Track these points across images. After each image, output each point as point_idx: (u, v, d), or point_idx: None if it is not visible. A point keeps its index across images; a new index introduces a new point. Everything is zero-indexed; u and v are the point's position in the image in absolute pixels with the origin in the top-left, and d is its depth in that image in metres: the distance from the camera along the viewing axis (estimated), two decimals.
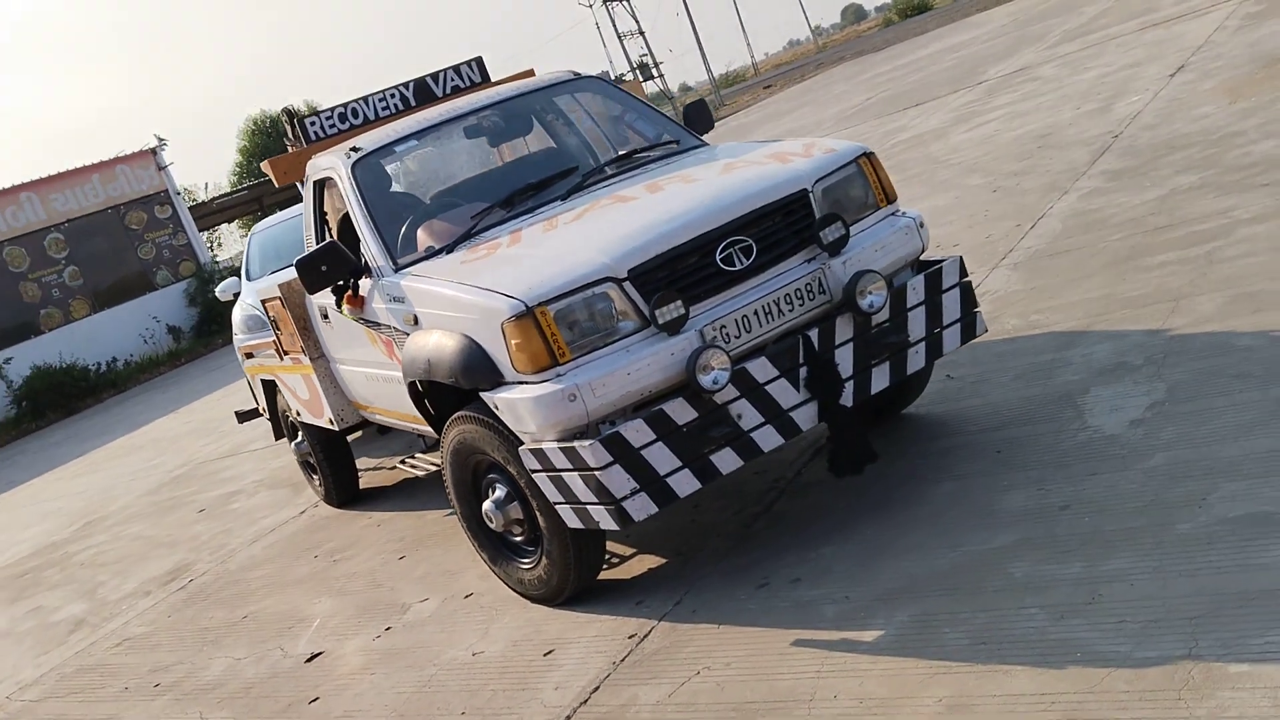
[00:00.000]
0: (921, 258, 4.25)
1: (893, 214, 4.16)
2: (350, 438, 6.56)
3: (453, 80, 6.10)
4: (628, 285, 3.67)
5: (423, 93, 5.99)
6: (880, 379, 3.91)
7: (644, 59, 49.54)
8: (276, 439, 7.49)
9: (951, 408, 4.66)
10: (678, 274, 3.73)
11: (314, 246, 5.26)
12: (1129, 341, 4.58)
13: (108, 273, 24.54)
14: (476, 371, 3.82)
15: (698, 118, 5.21)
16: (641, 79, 49.05)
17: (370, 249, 4.63)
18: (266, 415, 7.28)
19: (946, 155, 10.86)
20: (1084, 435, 3.91)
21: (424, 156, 5.53)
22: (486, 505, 4.11)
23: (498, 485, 4.11)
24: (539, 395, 3.59)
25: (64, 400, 21.24)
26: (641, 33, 53.50)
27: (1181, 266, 5.13)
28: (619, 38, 50.25)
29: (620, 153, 4.90)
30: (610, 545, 4.59)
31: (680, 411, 3.60)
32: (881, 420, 4.71)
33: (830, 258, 3.89)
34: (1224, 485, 3.26)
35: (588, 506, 3.63)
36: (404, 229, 4.75)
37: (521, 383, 3.68)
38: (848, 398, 3.84)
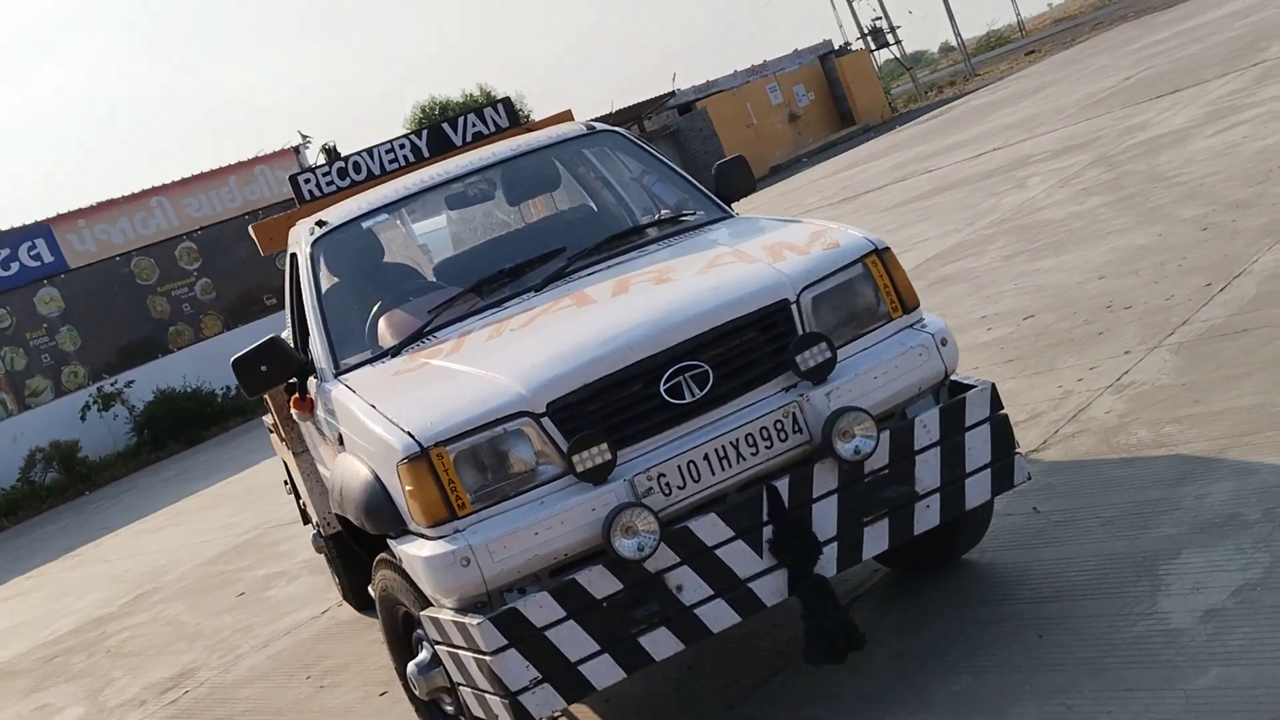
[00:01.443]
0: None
1: (910, 326, 3.86)
2: None
3: (474, 126, 6.06)
4: (546, 421, 3.53)
5: (438, 141, 5.96)
6: (876, 542, 3.64)
7: (877, 22, 48.67)
8: (304, 523, 7.66)
9: (1018, 558, 4.31)
10: (610, 408, 3.56)
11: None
12: (1255, 482, 4.13)
13: (243, 286, 25.81)
14: (379, 516, 3.76)
15: (731, 179, 5.01)
16: (872, 46, 48.33)
17: (314, 345, 4.65)
18: (292, 494, 7.45)
19: (1174, 171, 10.21)
20: (1144, 625, 3.54)
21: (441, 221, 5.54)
22: (410, 668, 4.02)
23: (423, 644, 4.03)
24: (429, 556, 3.49)
25: (186, 429, 22.44)
26: None
27: None
28: None
29: (615, 232, 4.75)
30: (579, 708, 4.46)
31: (599, 582, 3.43)
32: (934, 566, 4.39)
33: (813, 387, 3.64)
34: None
35: (485, 695, 3.51)
36: (371, 318, 4.74)
37: (421, 535, 3.60)
38: (828, 566, 3.58)
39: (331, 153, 6.20)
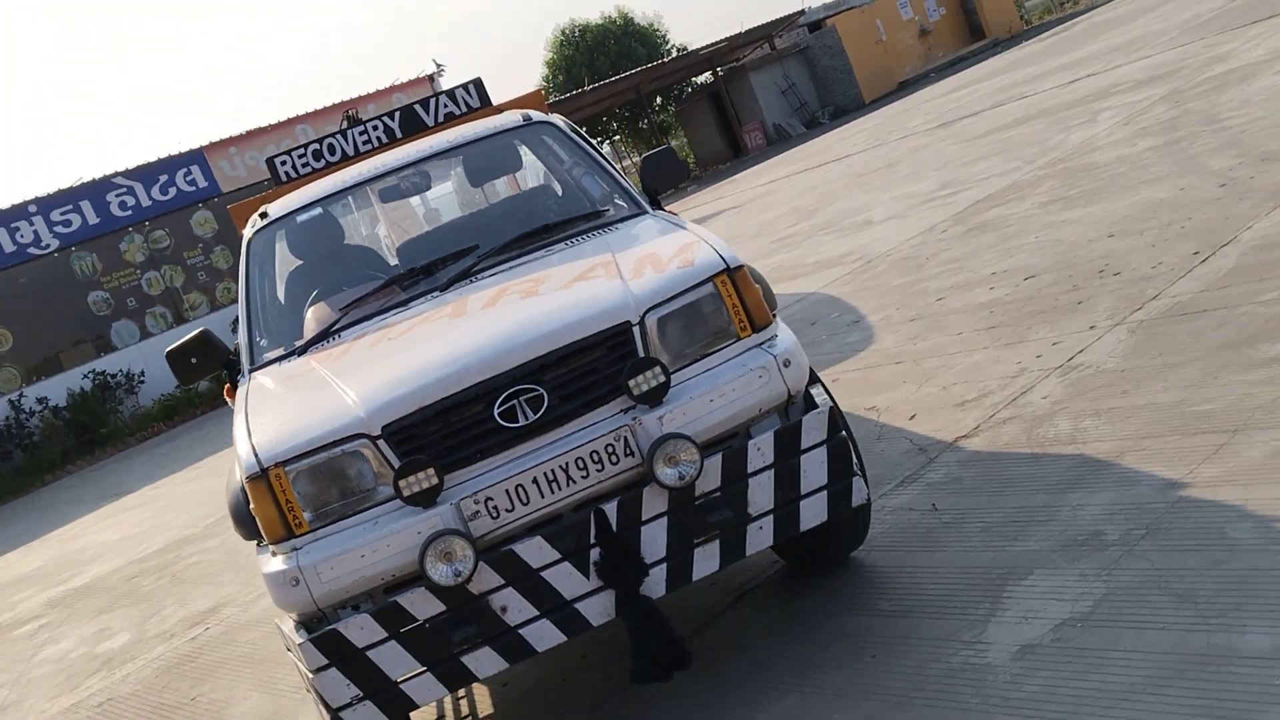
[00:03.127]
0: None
1: (760, 345, 3.65)
2: None
3: (446, 107, 5.91)
4: (383, 444, 3.45)
5: (411, 122, 5.84)
6: (707, 563, 3.49)
7: None
8: None
9: (895, 562, 4.10)
10: (444, 431, 3.46)
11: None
12: (1133, 496, 3.85)
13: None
14: (245, 525, 3.75)
15: (657, 172, 4.79)
16: None
17: (240, 338, 4.63)
18: None
19: (1228, 113, 9.54)
20: (963, 656, 3.33)
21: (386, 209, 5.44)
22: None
23: None
24: (267, 573, 3.47)
25: None
26: None
27: None
28: None
29: (525, 231, 4.59)
30: (480, 688, 4.44)
31: (422, 604, 3.36)
32: (818, 566, 4.21)
33: (647, 410, 3.48)
34: None
35: (319, 707, 3.50)
36: (306, 308, 4.70)
37: (270, 550, 3.57)
38: (655, 587, 3.45)
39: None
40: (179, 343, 4.57)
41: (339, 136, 5.81)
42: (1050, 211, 8.74)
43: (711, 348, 3.60)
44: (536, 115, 5.07)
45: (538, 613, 3.39)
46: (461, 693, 4.50)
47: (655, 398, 3.45)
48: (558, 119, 5.13)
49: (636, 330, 3.52)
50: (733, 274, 3.64)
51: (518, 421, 3.44)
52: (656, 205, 4.86)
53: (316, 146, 5.80)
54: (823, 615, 3.91)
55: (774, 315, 3.76)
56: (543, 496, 3.41)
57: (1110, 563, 3.48)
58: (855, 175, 16.84)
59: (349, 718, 3.36)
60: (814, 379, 3.91)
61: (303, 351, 4.31)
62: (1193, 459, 3.93)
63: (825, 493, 3.53)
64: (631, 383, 3.42)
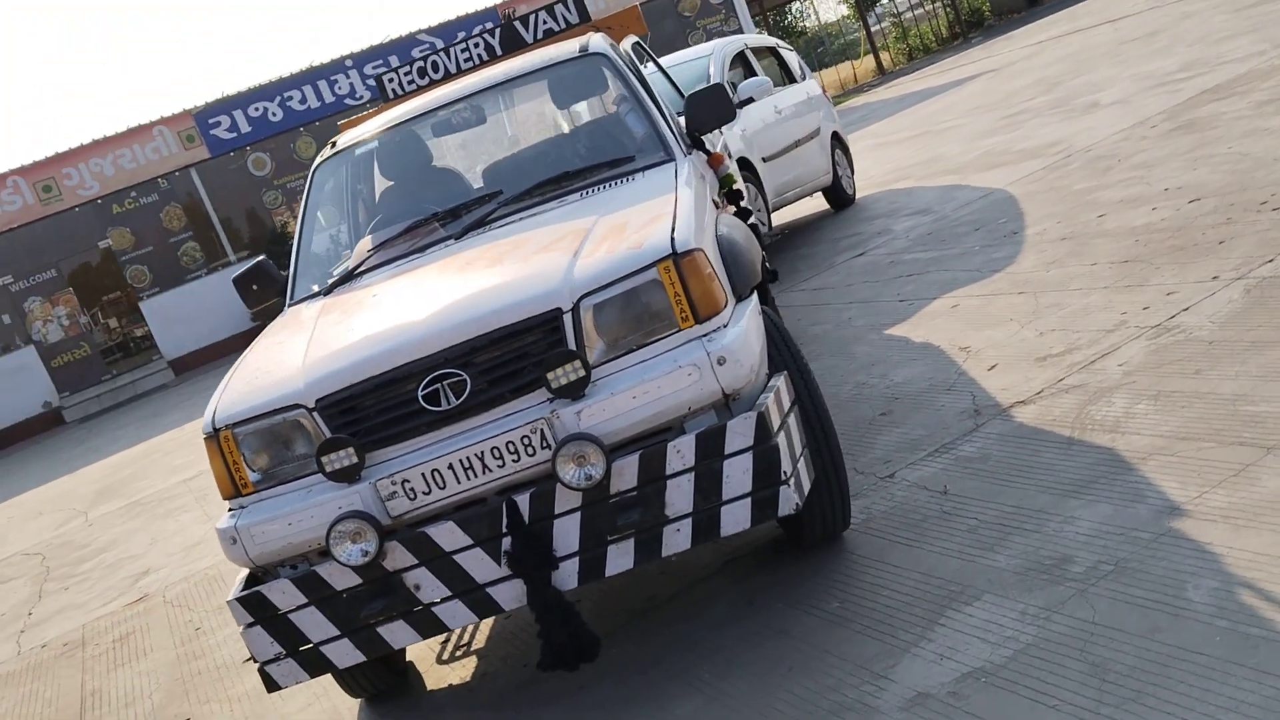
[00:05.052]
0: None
1: (701, 337, 3.21)
2: None
3: (545, 23, 5.50)
4: (317, 416, 3.31)
5: (511, 39, 5.47)
6: (621, 560, 3.18)
7: None
8: None
9: (872, 554, 3.65)
10: (372, 409, 3.28)
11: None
12: (1126, 517, 3.25)
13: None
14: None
15: (701, 112, 4.32)
16: None
17: (291, 270, 4.54)
18: None
19: None
20: (858, 693, 2.92)
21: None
22: None
23: None
24: (218, 527, 3.43)
25: None
26: None
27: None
28: None
29: (545, 178, 4.22)
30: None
31: (340, 575, 3.25)
32: (812, 547, 3.82)
33: (568, 403, 3.16)
34: None
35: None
36: (358, 244, 4.56)
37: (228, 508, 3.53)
38: (567, 579, 3.19)
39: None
40: (242, 270, 4.56)
41: (443, 54, 5.55)
42: (1262, 115, 7.53)
43: (650, 337, 3.22)
44: (595, 45, 4.64)
45: (450, 593, 3.22)
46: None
47: (574, 391, 3.13)
48: (612, 48, 4.68)
49: (568, 317, 3.19)
50: (679, 260, 3.21)
51: (440, 405, 3.21)
52: (699, 145, 4.41)
53: (421, 64, 5.57)
54: (776, 605, 3.55)
55: (727, 304, 3.30)
56: (459, 482, 3.19)
57: (1057, 603, 2.96)
58: (1115, 43, 15.16)
59: (274, 671, 3.34)
60: (788, 365, 3.47)
61: (329, 291, 4.20)
62: (1210, 478, 3.28)
63: (749, 500, 3.13)
64: (550, 375, 3.11)
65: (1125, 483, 3.45)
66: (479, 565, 3.19)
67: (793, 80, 10.60)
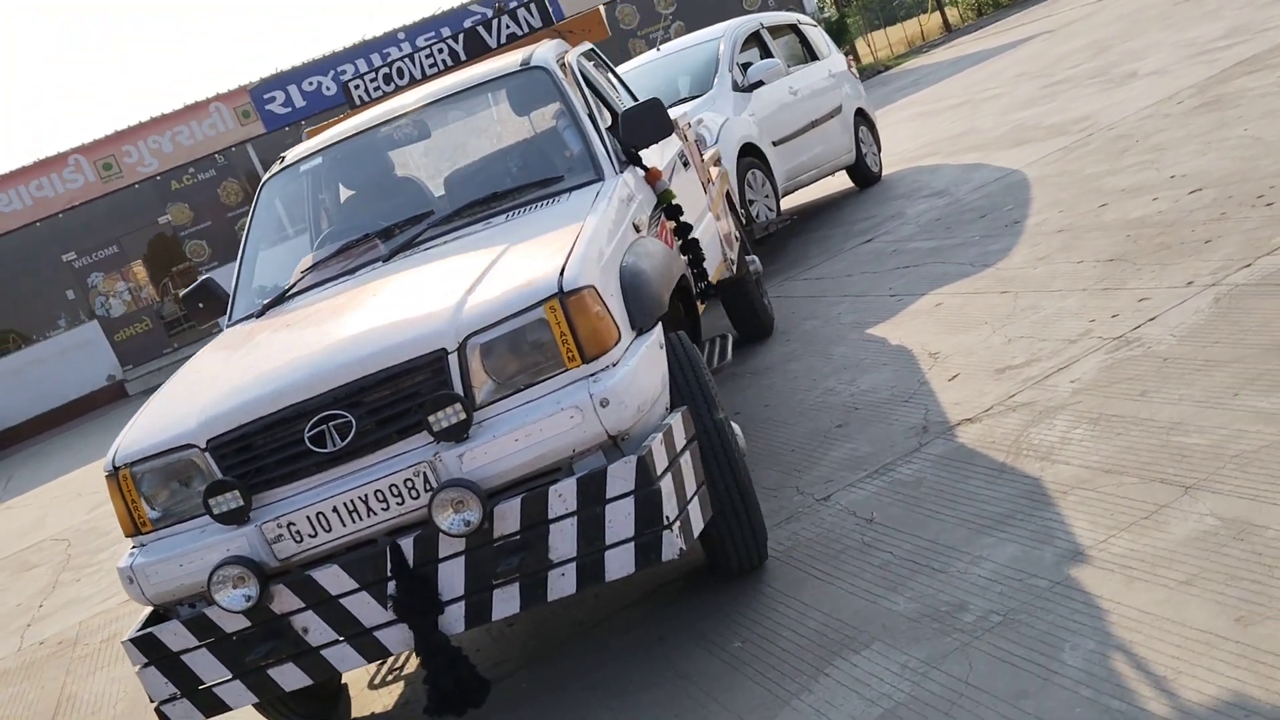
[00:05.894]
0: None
1: (584, 379, 3.14)
2: None
3: (509, 28, 5.40)
4: (209, 456, 3.30)
5: (475, 44, 5.38)
6: (507, 604, 3.13)
7: None
8: None
9: (789, 583, 3.56)
10: (260, 450, 3.26)
11: None
12: (1032, 559, 3.14)
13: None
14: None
15: (637, 129, 4.22)
16: None
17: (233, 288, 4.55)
18: None
19: None
20: None
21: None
22: None
23: None
24: (117, 567, 3.46)
25: None
26: None
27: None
28: None
29: (473, 199, 4.16)
30: None
31: (229, 618, 3.25)
32: (730, 578, 3.74)
33: (451, 446, 3.12)
34: None
35: None
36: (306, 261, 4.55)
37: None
38: (453, 623, 3.15)
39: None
40: (189, 288, 4.58)
41: (408, 60, 5.50)
42: None
43: (538, 377, 3.16)
44: (537, 58, 4.55)
45: (338, 636, 3.20)
46: None
47: (456, 435, 3.08)
48: (558, 60, 4.58)
49: (454, 358, 3.13)
50: (565, 299, 3.14)
51: (326, 447, 3.18)
52: (635, 161, 4.32)
53: (387, 70, 5.52)
54: (684, 642, 3.49)
55: (619, 341, 3.22)
56: (344, 525, 3.17)
57: (938, 657, 2.87)
58: (1170, 4, 14.63)
59: (170, 711, 3.35)
60: (694, 398, 3.40)
61: (262, 313, 4.20)
62: (1121, 519, 3.16)
63: (632, 544, 3.07)
64: (431, 419, 3.07)
65: (1040, 520, 3.33)
66: (365, 609, 3.17)
67: (815, 58, 10.37)
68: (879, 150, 10.74)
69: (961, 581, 3.17)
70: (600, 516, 3.05)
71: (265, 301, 4.26)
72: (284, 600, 3.19)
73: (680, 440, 3.26)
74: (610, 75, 5.28)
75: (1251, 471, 3.12)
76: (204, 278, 4.60)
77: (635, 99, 5.22)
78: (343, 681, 4.18)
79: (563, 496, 3.05)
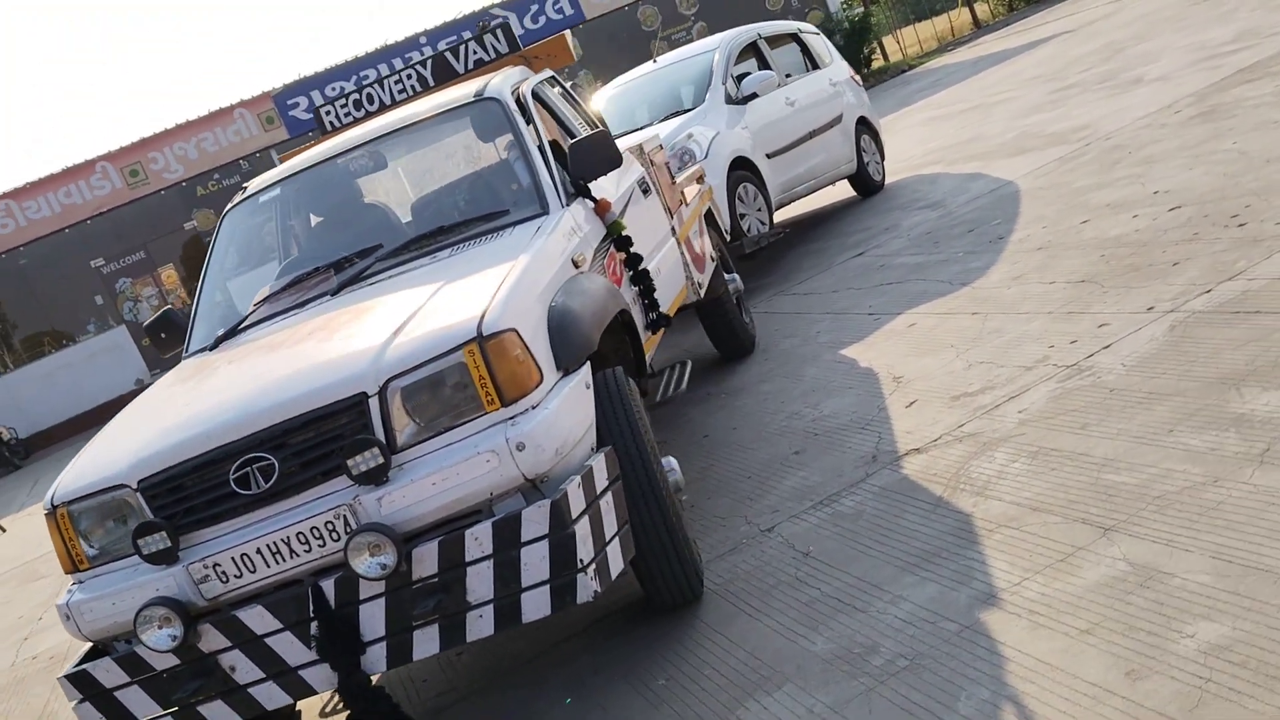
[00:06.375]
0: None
1: (502, 422, 3.18)
2: None
3: (476, 54, 5.43)
4: (140, 496, 3.37)
5: (443, 71, 5.42)
6: (427, 645, 3.17)
7: None
8: None
9: (720, 617, 3.58)
10: (191, 490, 3.32)
11: None
12: (945, 602, 3.15)
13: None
14: None
15: (585, 160, 4.25)
16: None
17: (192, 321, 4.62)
18: None
19: None
20: None
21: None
22: None
23: None
24: (56, 604, 3.53)
25: None
26: None
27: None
28: None
29: (420, 233, 4.22)
30: None
31: (160, 655, 3.31)
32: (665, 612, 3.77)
33: (371, 489, 3.16)
34: None
35: None
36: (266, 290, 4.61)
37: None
38: (375, 663, 3.20)
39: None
40: (151, 319, 4.66)
41: (378, 85, 5.56)
42: (1275, 108, 7.14)
43: (459, 420, 3.20)
44: (491, 89, 4.58)
45: (264, 675, 3.26)
46: None
47: (375, 478, 3.13)
48: (513, 90, 4.61)
49: (374, 401, 3.18)
50: (484, 343, 3.18)
51: (251, 489, 3.24)
52: (584, 193, 4.35)
53: (357, 96, 5.57)
54: (614, 679, 3.53)
55: (540, 383, 3.26)
56: (268, 566, 3.23)
57: (842, 702, 2.89)
58: (1188, 4, 14.46)
59: None
60: (623, 437, 3.43)
61: (214, 346, 4.27)
62: (1039, 561, 3.17)
63: (547, 587, 3.11)
64: (350, 462, 3.12)
65: (963, 559, 3.34)
66: (290, 648, 3.22)
67: (816, 67, 10.34)
68: (882, 159, 10.69)
69: (878, 622, 3.19)
70: (516, 560, 3.09)
71: (220, 333, 4.32)
72: (211, 639, 3.25)
73: (602, 481, 3.29)
74: (571, 103, 5.30)
75: (1170, 514, 3.11)
76: (165, 308, 4.67)
77: (597, 126, 5.24)
78: (297, 708, 4.24)
79: (479, 540, 3.09)
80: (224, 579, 3.25)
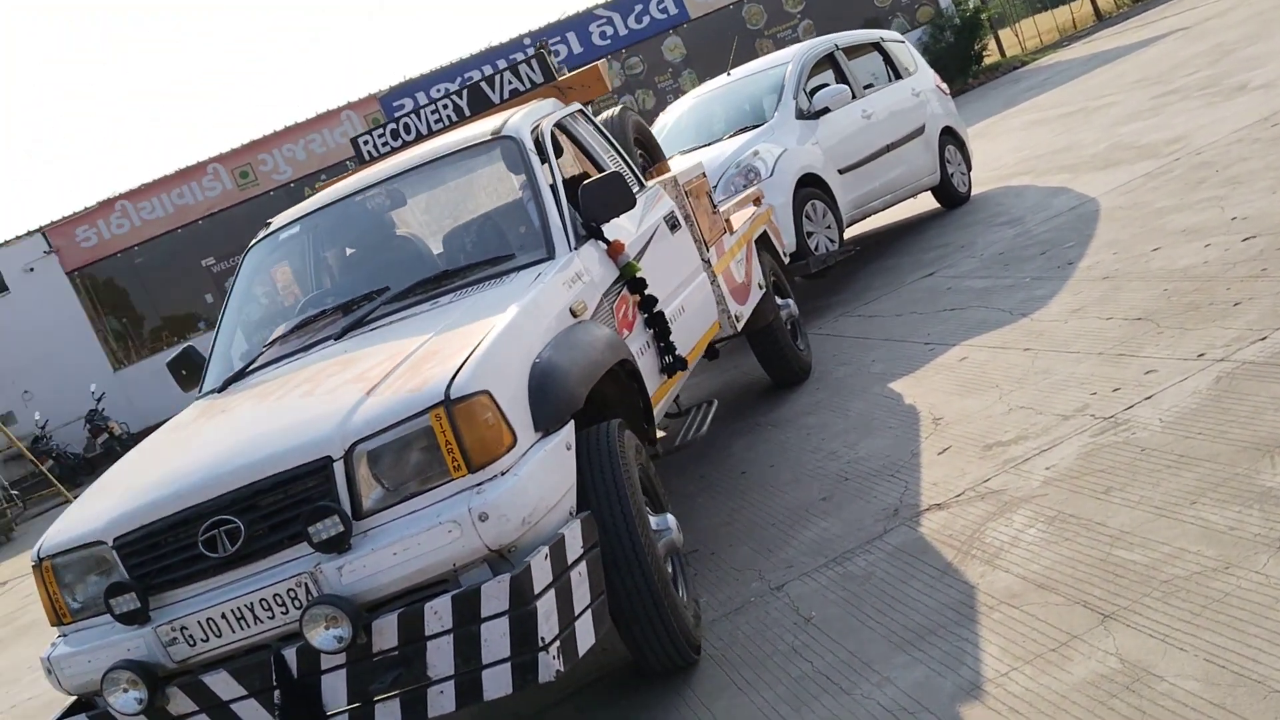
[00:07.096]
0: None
1: (468, 490, 3.09)
2: None
3: (511, 83, 5.34)
4: (116, 554, 3.37)
5: (478, 100, 5.35)
6: (389, 719, 3.13)
7: None
8: None
9: (711, 687, 3.45)
10: (163, 549, 3.30)
11: None
12: (929, 690, 2.98)
13: (843, 25, 24.71)
14: None
15: (595, 201, 4.14)
16: None
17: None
18: None
19: None
20: None
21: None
22: None
23: None
24: (40, 656, 3.56)
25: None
26: None
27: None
28: None
29: (424, 277, 4.16)
30: None
31: (131, 716, 3.32)
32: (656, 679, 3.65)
33: (332, 557, 3.10)
34: None
35: None
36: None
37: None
38: None
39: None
40: (173, 355, 4.70)
41: (414, 115, 5.52)
42: None
43: (426, 485, 3.12)
44: (509, 128, 4.49)
45: None
46: None
47: (336, 546, 3.07)
48: (530, 130, 4.51)
49: (339, 465, 3.12)
50: (452, 407, 3.09)
51: (216, 552, 3.21)
52: (597, 235, 4.25)
53: (394, 126, 5.54)
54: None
55: (513, 447, 3.16)
56: (233, 631, 3.19)
57: None
58: None
59: None
60: (605, 502, 3.33)
61: (223, 389, 4.27)
62: (1030, 649, 2.98)
63: (509, 665, 3.01)
64: (310, 530, 3.07)
65: (958, 639, 3.16)
66: (254, 715, 3.15)
67: (899, 76, 10.06)
68: (968, 169, 10.36)
69: (860, 708, 3.03)
70: (476, 635, 2.99)
71: (229, 376, 4.33)
72: (179, 702, 3.21)
73: (575, 551, 3.18)
74: (602, 136, 5.19)
75: (1173, 603, 2.89)
76: (186, 345, 4.71)
77: (627, 161, 5.12)
78: None
79: (438, 614, 3.00)
80: (191, 642, 3.22)
